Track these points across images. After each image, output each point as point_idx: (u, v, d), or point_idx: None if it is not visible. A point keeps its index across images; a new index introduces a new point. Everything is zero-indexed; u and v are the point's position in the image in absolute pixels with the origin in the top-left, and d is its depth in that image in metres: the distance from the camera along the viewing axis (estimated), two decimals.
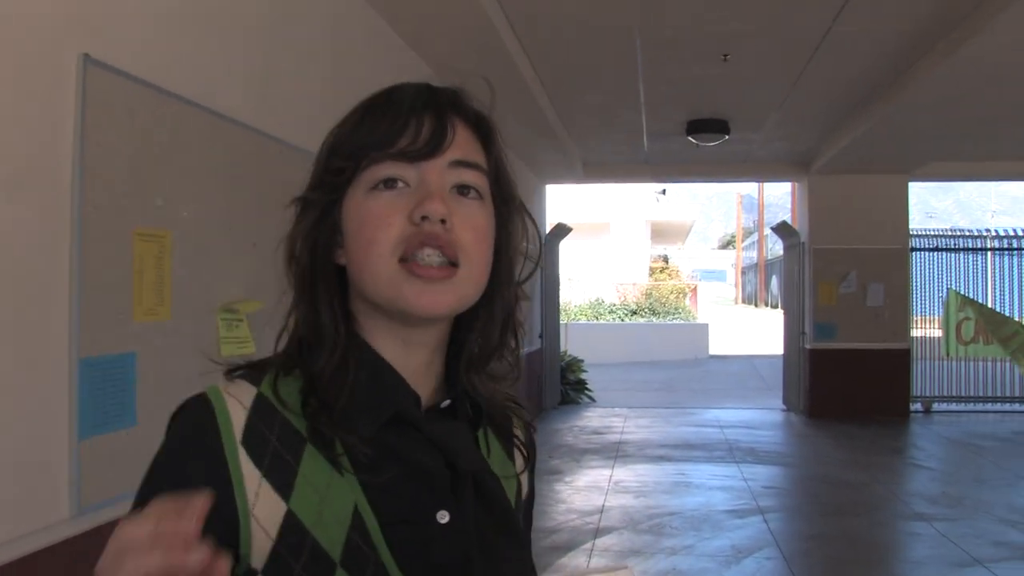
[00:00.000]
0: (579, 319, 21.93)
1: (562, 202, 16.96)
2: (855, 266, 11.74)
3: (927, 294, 12.74)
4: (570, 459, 9.18)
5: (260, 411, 0.94)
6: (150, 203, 2.87)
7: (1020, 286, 12.91)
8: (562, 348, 13.80)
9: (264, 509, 0.90)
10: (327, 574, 0.89)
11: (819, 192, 11.87)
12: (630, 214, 27.89)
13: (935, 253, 12.83)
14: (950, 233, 13.51)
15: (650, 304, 23.95)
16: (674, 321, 23.10)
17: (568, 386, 13.22)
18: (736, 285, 50.71)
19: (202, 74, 3.24)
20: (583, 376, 13.73)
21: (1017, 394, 12.76)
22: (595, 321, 22.59)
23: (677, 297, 25.44)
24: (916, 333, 12.53)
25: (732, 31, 6.40)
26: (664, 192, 28.57)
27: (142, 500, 0.88)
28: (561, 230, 12.45)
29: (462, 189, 0.98)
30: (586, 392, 13.55)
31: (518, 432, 1.14)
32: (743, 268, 50.04)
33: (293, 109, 4.03)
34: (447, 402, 1.03)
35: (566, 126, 9.74)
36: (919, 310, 12.67)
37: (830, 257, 11.79)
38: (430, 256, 0.94)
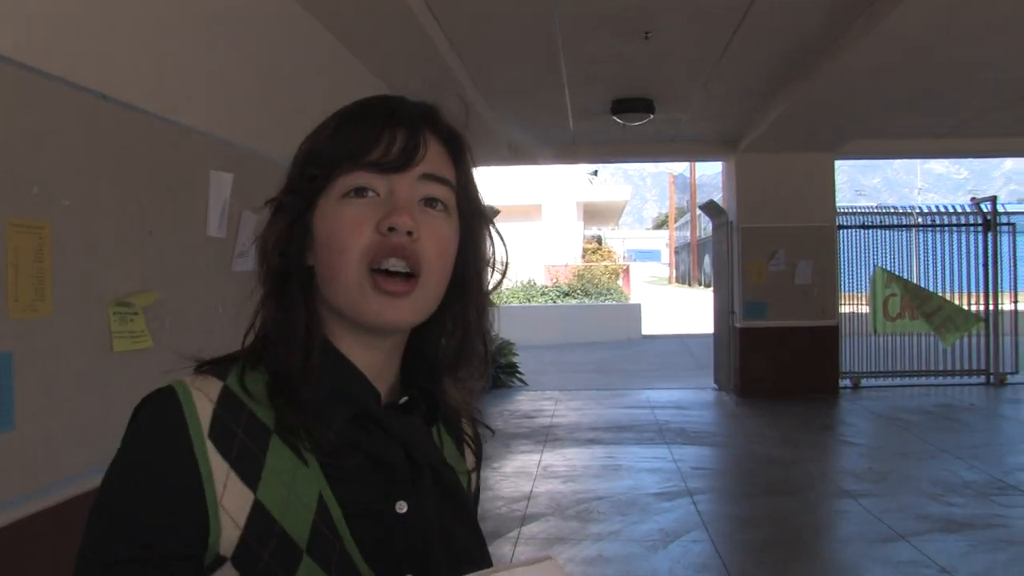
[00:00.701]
0: (511, 302, 21.81)
1: (492, 184, 16.81)
2: (784, 244, 11.76)
3: (855, 271, 12.84)
4: (499, 445, 9.06)
5: (226, 404, 0.97)
6: (24, 192, 2.67)
7: (945, 262, 13.07)
8: (493, 331, 13.58)
9: (232, 499, 0.92)
10: (294, 561, 0.92)
11: (747, 171, 11.86)
12: (562, 196, 27.87)
13: (862, 231, 12.94)
14: (876, 210, 13.62)
15: (583, 285, 23.88)
16: (607, 302, 23.04)
17: (499, 370, 13.09)
18: (670, 265, 51.12)
19: (82, 52, 3.01)
20: (514, 359, 13.61)
21: (942, 367, 12.94)
22: (527, 304, 22.48)
23: (610, 278, 25.43)
24: (844, 310, 12.63)
25: (653, 5, 6.29)
26: (596, 173, 28.55)
27: (111, 492, 0.93)
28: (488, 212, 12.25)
29: (430, 202, 1.02)
30: (517, 375, 13.44)
31: (467, 430, 1.20)
32: (677, 248, 50.41)
33: (189, 89, 3.81)
34: (404, 399, 1.08)
35: (490, 106, 9.58)
36: (847, 287, 12.78)
37: (758, 236, 11.80)
38: (394, 265, 0.97)
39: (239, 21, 4.44)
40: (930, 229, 13.30)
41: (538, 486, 7.30)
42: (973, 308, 12.75)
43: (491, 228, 1.14)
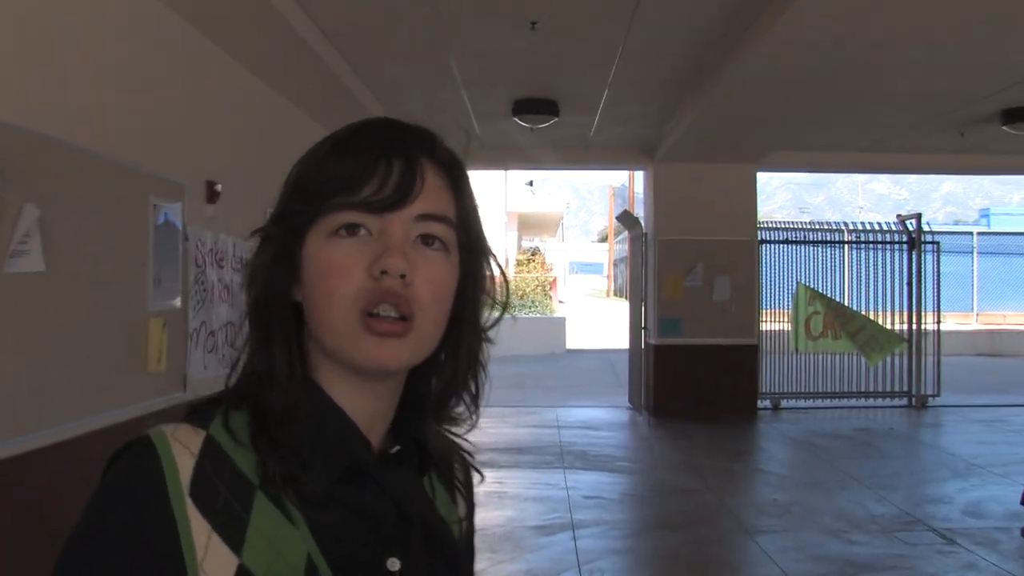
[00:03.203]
0: None
1: None
2: (702, 258, 11.29)
3: (777, 288, 12.42)
4: None
5: (209, 457, 0.90)
6: None
7: (869, 280, 12.73)
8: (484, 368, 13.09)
9: (214, 564, 0.85)
10: None
11: (664, 181, 11.37)
12: (492, 205, 27.39)
13: (785, 246, 12.53)
14: (800, 226, 13.23)
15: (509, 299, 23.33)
16: (531, 315, 22.52)
17: None
18: (608, 277, 50.93)
19: None
20: None
21: (863, 389, 12.57)
22: None
23: (539, 290, 24.95)
24: (765, 328, 12.20)
25: None
26: (531, 183, 28.07)
27: (79, 556, 0.85)
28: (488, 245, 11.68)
29: (427, 239, 0.95)
30: None
31: (458, 475, 1.13)
32: (616, 260, 50.23)
33: None
34: (396, 448, 1.01)
35: (386, 108, 9.02)
36: (768, 304, 12.35)
37: (675, 249, 11.30)
38: (386, 311, 0.91)
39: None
40: (855, 246, 12.97)
41: (484, 513, 6.66)
42: (897, 328, 12.40)
43: (493, 262, 1.07)
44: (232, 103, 6.66)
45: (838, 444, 9.97)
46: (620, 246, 50.64)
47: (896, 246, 12.77)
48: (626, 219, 12.44)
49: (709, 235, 11.29)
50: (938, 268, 12.89)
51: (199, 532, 0.86)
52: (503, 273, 1.09)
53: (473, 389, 1.08)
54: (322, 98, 7.77)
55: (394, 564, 0.94)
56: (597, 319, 30.30)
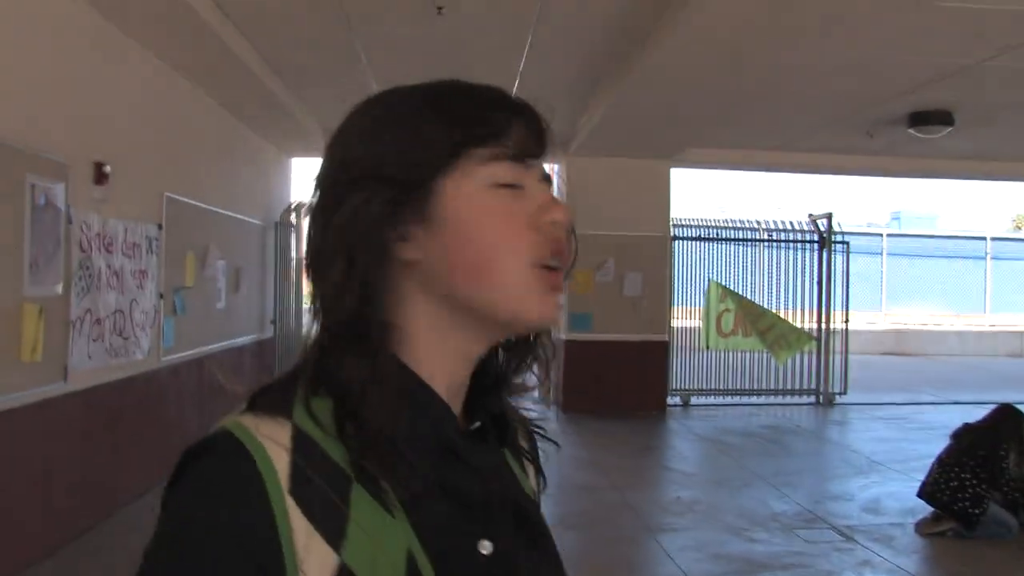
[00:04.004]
0: None
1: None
2: (613, 254, 11.22)
3: (689, 284, 12.43)
4: None
5: (301, 450, 0.83)
6: None
7: (781, 278, 12.83)
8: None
9: (315, 564, 0.80)
10: None
11: (578, 175, 11.26)
12: None
13: (698, 243, 12.55)
14: (713, 223, 13.27)
15: None
16: None
17: None
18: None
19: None
20: None
21: (772, 386, 12.65)
22: None
23: None
24: (676, 324, 12.20)
25: None
26: None
27: (180, 549, 0.79)
28: (302, 208, 11.39)
29: None
30: None
31: (524, 444, 1.08)
32: None
33: None
34: (477, 424, 0.98)
35: (297, 96, 8.78)
36: (680, 301, 12.35)
37: (587, 243, 11.14)
38: (554, 263, 0.90)
39: None
40: (767, 244, 13.05)
41: None
42: (806, 326, 12.50)
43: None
44: (126, 82, 6.37)
45: (745, 441, 9.99)
46: None
47: (807, 245, 12.88)
48: None
49: (622, 230, 11.23)
50: (847, 268, 13.03)
51: (300, 532, 0.80)
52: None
53: (545, 356, 1.04)
54: (227, 83, 7.54)
55: (485, 547, 0.89)
56: None
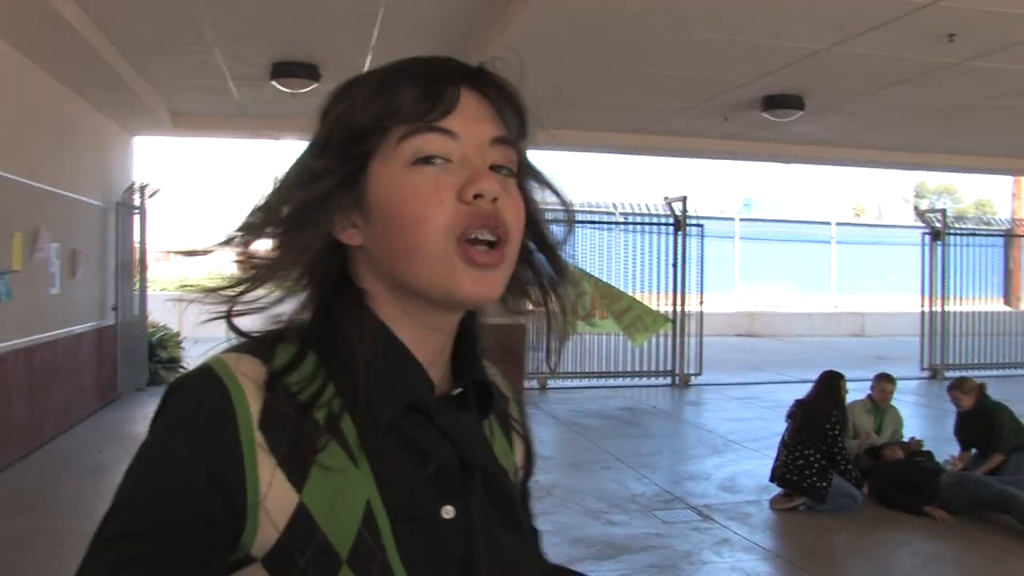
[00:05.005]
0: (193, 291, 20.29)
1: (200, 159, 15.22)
2: None
3: None
4: (126, 453, 7.70)
5: (275, 393, 0.87)
6: None
7: (637, 261, 12.94)
8: (167, 322, 12.48)
9: (275, 500, 0.84)
10: (332, 570, 0.84)
11: None
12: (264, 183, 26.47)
13: (554, 226, 12.47)
14: (570, 207, 13.24)
15: None
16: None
17: (160, 364, 11.58)
18: None
19: None
20: (179, 352, 12.12)
21: (629, 368, 12.76)
22: None
23: None
24: (532, 307, 12.12)
25: None
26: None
27: (141, 475, 0.85)
28: (145, 188, 10.83)
29: (497, 168, 0.92)
30: (180, 370, 11.95)
31: (514, 414, 1.11)
32: None
33: None
34: (458, 390, 0.99)
35: (139, 71, 8.27)
36: None
37: None
38: (484, 237, 0.89)
39: None
40: (623, 227, 13.13)
41: None
42: (662, 308, 12.64)
43: (550, 187, 1.03)
44: None
45: (603, 424, 10.01)
46: None
47: (663, 228, 13.02)
48: None
49: None
50: (702, 251, 13.24)
51: (264, 467, 0.84)
52: (561, 197, 1.04)
53: (562, 326, 1.07)
54: (60, 54, 7.02)
55: (448, 512, 0.91)
56: None
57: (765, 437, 8.70)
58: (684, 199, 12.86)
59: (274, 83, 8.22)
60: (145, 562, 0.80)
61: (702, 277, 13.24)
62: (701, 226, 13.27)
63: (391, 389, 0.91)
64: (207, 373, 0.87)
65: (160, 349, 11.76)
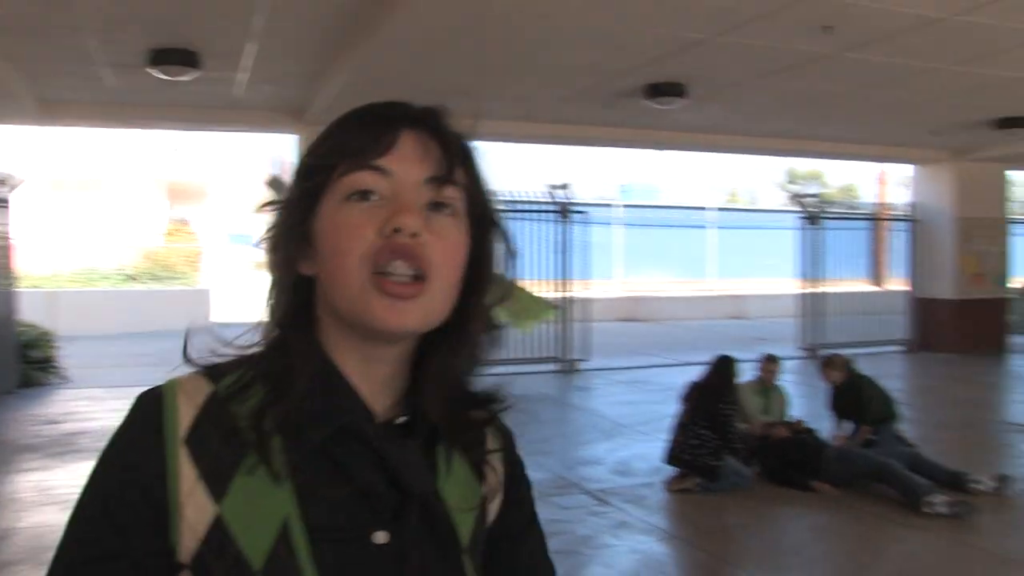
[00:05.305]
0: (67, 287, 19.56)
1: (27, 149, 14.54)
2: None
3: None
4: None
5: (209, 411, 0.95)
6: None
7: (523, 248, 12.93)
8: (39, 320, 11.92)
9: (194, 510, 0.91)
10: None
11: None
12: (136, 168, 25.52)
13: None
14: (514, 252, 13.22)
15: (151, 269, 21.86)
16: (174, 287, 21.14)
17: (31, 365, 11.08)
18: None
19: None
20: (53, 352, 11.62)
21: (517, 356, 12.80)
22: (87, 288, 20.05)
23: (190, 262, 23.51)
24: None
25: None
26: (180, 147, 26.35)
27: (88, 488, 0.94)
28: (11, 179, 10.33)
29: (437, 206, 0.97)
30: (53, 371, 11.46)
31: (492, 445, 1.12)
32: None
33: None
34: (403, 419, 1.02)
35: (2, 55, 7.86)
36: None
37: None
38: (399, 268, 0.92)
39: None
40: (507, 215, 13.09)
41: (27, 518, 5.81)
42: (548, 295, 12.73)
43: (502, 234, 1.07)
44: None
45: None
46: None
47: (547, 215, 13.10)
48: (276, 185, 11.82)
49: None
50: (585, 238, 13.38)
51: (187, 478, 0.91)
52: (511, 247, 1.08)
53: (475, 358, 1.08)
54: None
55: (380, 537, 0.94)
56: (247, 291, 29.35)
57: (655, 420, 8.87)
58: (567, 186, 12.97)
59: (151, 70, 7.94)
60: (82, 569, 0.90)
61: (587, 264, 13.38)
62: (585, 212, 13.41)
63: (323, 414, 0.95)
64: (156, 389, 0.97)
65: (32, 349, 11.24)
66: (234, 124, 11.27)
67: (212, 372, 0.99)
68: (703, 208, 27.50)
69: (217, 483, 0.91)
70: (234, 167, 28.43)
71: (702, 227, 26.78)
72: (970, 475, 6.34)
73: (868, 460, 6.41)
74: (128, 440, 0.94)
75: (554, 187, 13.13)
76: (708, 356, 7.21)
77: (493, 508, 1.11)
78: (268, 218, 1.02)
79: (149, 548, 0.90)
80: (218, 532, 0.90)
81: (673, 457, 6.69)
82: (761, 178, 41.90)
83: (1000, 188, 15.71)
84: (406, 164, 0.95)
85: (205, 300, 20.03)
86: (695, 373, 7.21)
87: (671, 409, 7.08)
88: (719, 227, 26.88)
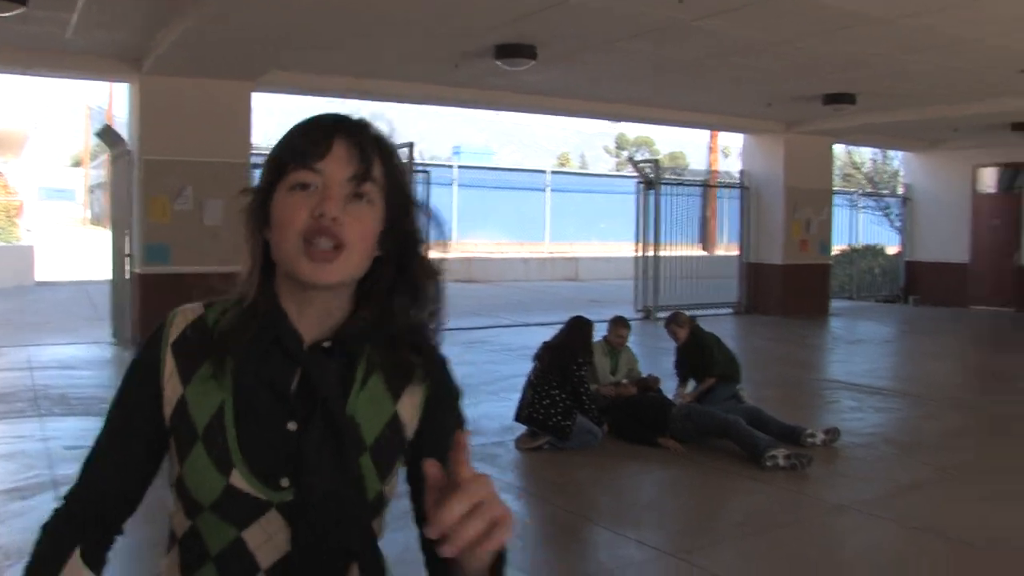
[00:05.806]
0: None
1: None
2: (192, 180, 10.44)
3: None
4: None
5: (195, 325, 1.36)
6: None
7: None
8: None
9: (170, 390, 1.33)
10: (192, 442, 1.30)
11: (153, 96, 10.31)
12: None
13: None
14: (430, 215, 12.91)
15: None
16: None
17: None
18: (84, 205, 47.14)
19: None
20: None
21: None
22: None
23: (6, 217, 21.98)
24: None
25: None
26: None
27: (127, 369, 1.40)
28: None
29: (358, 196, 1.30)
30: None
31: (419, 374, 1.40)
32: (92, 186, 46.41)
33: None
34: (327, 343, 1.34)
35: None
36: None
37: (163, 169, 10.34)
38: (322, 242, 1.27)
39: None
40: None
41: None
42: None
43: (421, 209, 1.41)
44: None
45: None
46: (97, 171, 46.80)
47: None
48: (108, 136, 11.19)
49: (200, 156, 10.47)
50: (428, 198, 13.26)
51: (168, 370, 1.34)
52: (437, 218, 1.43)
53: (431, 306, 1.41)
54: None
55: (292, 425, 1.30)
56: (72, 248, 27.80)
57: (499, 380, 8.93)
58: (411, 145, 12.81)
59: None
60: (113, 411, 1.38)
61: (426, 225, 13.25)
62: (428, 172, 13.30)
63: (264, 333, 1.32)
64: (171, 312, 1.39)
65: None
66: (65, 70, 10.50)
67: (210, 301, 1.39)
68: (541, 171, 27.76)
69: (186, 373, 1.32)
70: (53, 118, 26.69)
71: (539, 189, 27.06)
72: (806, 430, 6.68)
73: (713, 417, 6.64)
74: (144, 345, 1.37)
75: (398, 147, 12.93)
76: (544, 317, 7.28)
77: (410, 423, 1.38)
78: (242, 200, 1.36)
79: (150, 410, 1.33)
80: (181, 406, 1.31)
81: (524, 416, 6.74)
82: (591, 143, 42.63)
83: (826, 160, 16.55)
84: (334, 165, 1.28)
85: (29, 258, 18.89)
86: (533, 334, 7.26)
87: (513, 369, 7.12)
88: (553, 190, 27.22)
